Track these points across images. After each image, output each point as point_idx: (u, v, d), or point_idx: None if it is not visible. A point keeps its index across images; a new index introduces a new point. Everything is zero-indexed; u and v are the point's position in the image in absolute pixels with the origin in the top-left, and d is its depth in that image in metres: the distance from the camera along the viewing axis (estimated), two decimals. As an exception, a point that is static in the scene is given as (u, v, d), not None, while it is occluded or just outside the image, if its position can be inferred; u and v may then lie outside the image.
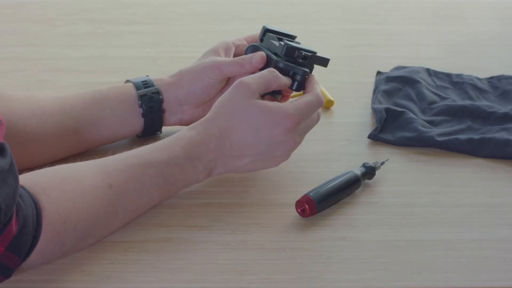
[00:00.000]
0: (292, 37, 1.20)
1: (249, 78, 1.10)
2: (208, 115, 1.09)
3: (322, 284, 0.97)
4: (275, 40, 1.18)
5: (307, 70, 1.15)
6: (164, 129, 1.22)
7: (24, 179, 0.94)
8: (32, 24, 1.59)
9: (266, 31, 1.19)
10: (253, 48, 1.19)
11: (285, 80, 1.13)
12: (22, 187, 0.91)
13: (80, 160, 1.04)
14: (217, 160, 1.08)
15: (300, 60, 1.15)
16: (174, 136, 1.07)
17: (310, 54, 1.15)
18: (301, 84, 1.14)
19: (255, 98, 1.09)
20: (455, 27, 1.62)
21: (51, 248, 0.94)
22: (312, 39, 1.57)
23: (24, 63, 1.45)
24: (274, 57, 1.16)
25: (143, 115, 1.18)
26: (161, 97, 1.18)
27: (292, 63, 1.14)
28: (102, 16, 1.63)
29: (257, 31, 1.23)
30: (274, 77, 1.11)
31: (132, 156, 1.04)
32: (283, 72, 1.14)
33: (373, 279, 0.98)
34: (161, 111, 1.19)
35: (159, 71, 1.32)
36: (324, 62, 1.16)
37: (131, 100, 1.18)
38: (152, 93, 1.18)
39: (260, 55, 1.16)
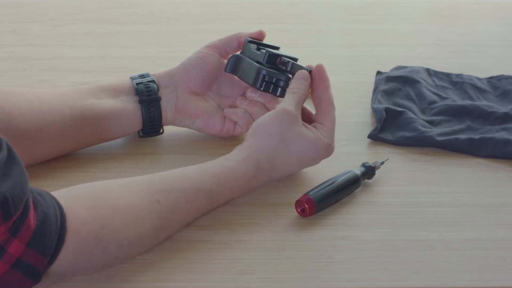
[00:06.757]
0: (276, 48, 1.21)
1: (290, 106, 1.11)
2: (255, 142, 1.10)
3: (322, 284, 0.97)
4: (255, 49, 1.20)
5: (290, 76, 1.16)
6: (167, 130, 1.23)
7: (60, 193, 0.93)
8: (32, 24, 1.59)
9: (248, 42, 1.21)
10: (235, 58, 1.20)
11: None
12: (46, 192, 0.90)
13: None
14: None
15: (283, 67, 1.17)
16: (227, 165, 1.07)
17: (292, 61, 1.17)
18: (285, 90, 1.15)
19: (300, 126, 1.11)
20: (455, 27, 1.62)
21: (87, 250, 0.92)
22: (312, 39, 1.58)
23: (24, 63, 1.45)
24: (256, 65, 1.17)
25: (140, 101, 1.18)
26: (156, 84, 1.20)
27: (274, 69, 1.16)
28: (102, 16, 1.63)
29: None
30: (304, 94, 1.13)
31: (183, 177, 1.04)
32: (267, 79, 1.16)
33: (373, 279, 0.98)
34: (158, 98, 1.19)
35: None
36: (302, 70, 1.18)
37: (127, 89, 1.20)
38: (148, 81, 1.20)
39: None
